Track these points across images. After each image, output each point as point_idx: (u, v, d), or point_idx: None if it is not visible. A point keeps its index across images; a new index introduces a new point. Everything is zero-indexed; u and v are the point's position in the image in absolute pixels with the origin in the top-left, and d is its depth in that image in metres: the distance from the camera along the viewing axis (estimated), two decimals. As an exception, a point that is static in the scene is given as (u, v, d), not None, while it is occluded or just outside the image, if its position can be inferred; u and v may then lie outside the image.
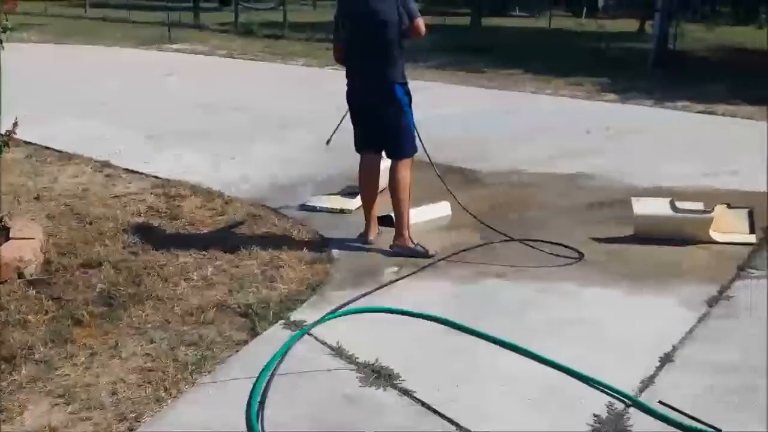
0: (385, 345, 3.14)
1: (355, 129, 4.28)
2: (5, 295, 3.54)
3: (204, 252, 4.14)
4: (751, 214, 4.52)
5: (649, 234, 4.27)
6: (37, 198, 5.10)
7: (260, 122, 7.66)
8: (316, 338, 3.21)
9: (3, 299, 3.50)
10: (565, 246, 4.20)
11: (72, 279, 3.78)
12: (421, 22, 4.05)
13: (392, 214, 4.25)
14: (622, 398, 2.73)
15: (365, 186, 4.34)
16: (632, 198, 4.52)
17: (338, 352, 3.08)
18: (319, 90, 8.88)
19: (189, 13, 19.72)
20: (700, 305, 3.49)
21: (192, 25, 18.52)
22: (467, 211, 4.52)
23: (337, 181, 5.32)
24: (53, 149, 6.42)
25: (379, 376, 2.89)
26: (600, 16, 19.41)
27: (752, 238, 4.29)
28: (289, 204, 5.01)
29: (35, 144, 6.46)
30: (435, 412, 2.68)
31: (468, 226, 4.51)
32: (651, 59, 11.60)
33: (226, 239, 4.36)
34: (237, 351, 3.12)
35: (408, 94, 4.14)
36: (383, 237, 4.31)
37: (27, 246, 3.86)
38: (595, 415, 2.64)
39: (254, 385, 2.82)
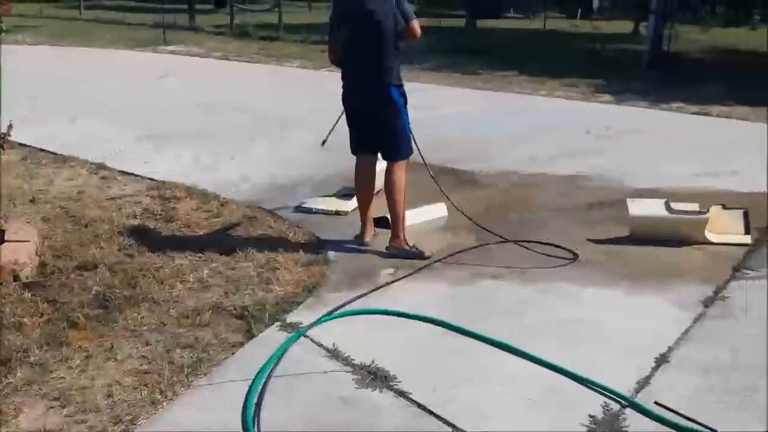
0: (382, 347, 3.14)
1: (350, 131, 4.28)
2: (0, 298, 3.53)
3: (200, 254, 4.13)
4: (746, 215, 4.54)
5: (645, 235, 4.28)
6: (32, 200, 5.09)
7: (260, 122, 7.69)
8: (312, 340, 3.20)
9: (-2, 302, 3.50)
10: (560, 247, 4.21)
11: (67, 281, 3.77)
12: (416, 24, 4.06)
13: (388, 216, 4.26)
14: (617, 399, 2.74)
15: (361, 188, 4.34)
16: (627, 199, 4.53)
17: (334, 353, 3.08)
18: (318, 90, 8.87)
19: (184, 15, 19.68)
20: (695, 306, 3.50)
21: (187, 27, 18.48)
22: (461, 212, 4.53)
23: (334, 181, 5.32)
24: (48, 151, 6.41)
25: (375, 377, 2.89)
26: (595, 18, 19.44)
27: (747, 239, 4.30)
28: (289, 204, 5.02)
29: (30, 146, 6.45)
30: (431, 413, 2.68)
31: (464, 228, 4.51)
32: (645, 61, 11.62)
33: (222, 241, 4.35)
34: (233, 353, 3.12)
35: (403, 95, 4.14)
36: (379, 239, 4.31)
37: (22, 249, 3.86)
38: (590, 416, 2.64)
39: (250, 387, 2.82)
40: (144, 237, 4.40)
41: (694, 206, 4.41)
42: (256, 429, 2.59)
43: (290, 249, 4.21)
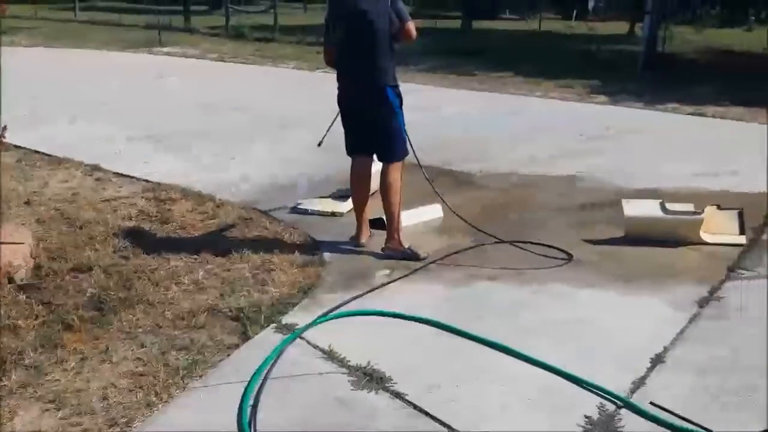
0: (377, 348, 3.13)
1: (346, 132, 4.27)
2: (-5, 301, 3.52)
3: (195, 256, 4.13)
4: (741, 215, 4.55)
5: (640, 235, 4.29)
6: (27, 203, 5.07)
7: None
8: (308, 342, 3.20)
9: (-8, 304, 3.49)
10: (555, 248, 4.21)
11: (62, 284, 3.76)
12: (411, 26, 4.06)
13: (384, 217, 4.26)
14: (613, 399, 2.74)
15: (357, 189, 4.34)
16: (623, 200, 4.54)
17: (330, 355, 3.08)
18: (316, 91, 8.85)
19: (179, 16, 19.66)
20: (690, 306, 3.51)
21: (182, 28, 18.46)
22: (455, 213, 4.53)
23: (334, 181, 5.32)
24: (43, 153, 6.40)
25: (371, 379, 2.89)
26: (590, 19, 19.48)
27: (742, 239, 4.31)
28: (289, 204, 5.03)
29: (25, 148, 6.44)
30: (427, 414, 2.68)
31: (459, 229, 4.51)
32: (641, 62, 11.65)
33: (217, 243, 4.35)
34: (228, 355, 3.11)
35: (399, 96, 4.14)
36: (375, 240, 4.31)
37: (17, 251, 3.84)
38: (586, 417, 2.64)
39: (246, 389, 2.82)
40: (139, 239, 4.39)
41: (689, 207, 4.42)
42: (251, 431, 2.59)
43: (286, 250, 4.20)
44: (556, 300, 3.63)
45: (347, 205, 4.75)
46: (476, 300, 3.65)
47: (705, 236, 4.28)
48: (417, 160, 4.31)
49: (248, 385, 2.84)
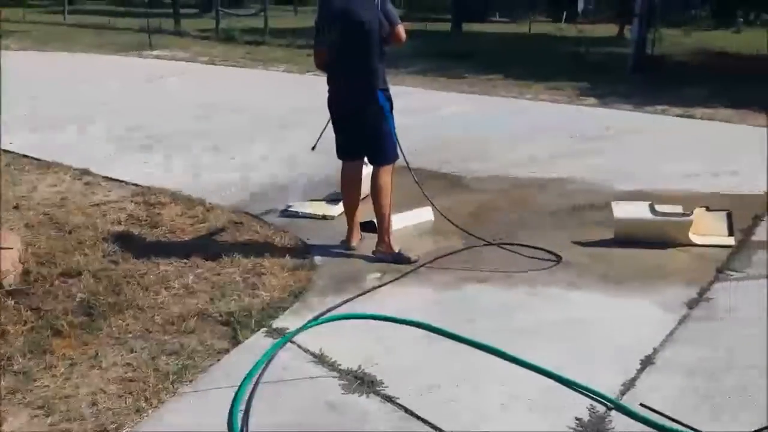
0: (368, 351, 3.13)
1: (336, 136, 4.27)
2: (-17, 306, 3.50)
3: (185, 260, 4.11)
4: (729, 217, 4.58)
5: (629, 237, 4.31)
6: (15, 207, 5.05)
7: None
8: (298, 346, 3.20)
9: (-19, 310, 3.46)
10: (544, 250, 4.22)
11: (51, 289, 3.74)
12: (401, 29, 4.06)
13: (374, 220, 4.26)
14: (603, 401, 2.75)
15: (347, 192, 4.34)
16: (612, 202, 4.56)
17: (321, 359, 3.08)
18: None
19: (169, 19, 19.61)
20: (680, 307, 3.52)
21: (172, 31, 18.42)
22: (445, 217, 4.54)
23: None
24: (32, 157, 6.37)
25: (362, 382, 2.89)
26: (579, 21, 19.57)
27: (731, 241, 4.34)
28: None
29: (13, 152, 6.42)
30: (418, 418, 2.68)
31: (450, 232, 4.52)
32: (630, 64, 11.70)
33: (208, 247, 4.33)
34: (219, 360, 3.10)
35: (389, 99, 4.15)
36: (366, 243, 4.31)
37: (5, 256, 3.82)
38: (577, 419, 2.65)
39: (236, 393, 2.81)
40: (128, 243, 4.37)
41: (678, 208, 4.44)
42: (242, 436, 2.59)
43: (276, 254, 4.20)
44: (545, 302, 3.64)
45: (338, 208, 4.75)
46: (466, 302, 3.65)
47: (694, 238, 4.30)
48: (407, 163, 4.31)
49: (239, 389, 2.83)
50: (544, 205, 5.14)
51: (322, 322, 3.42)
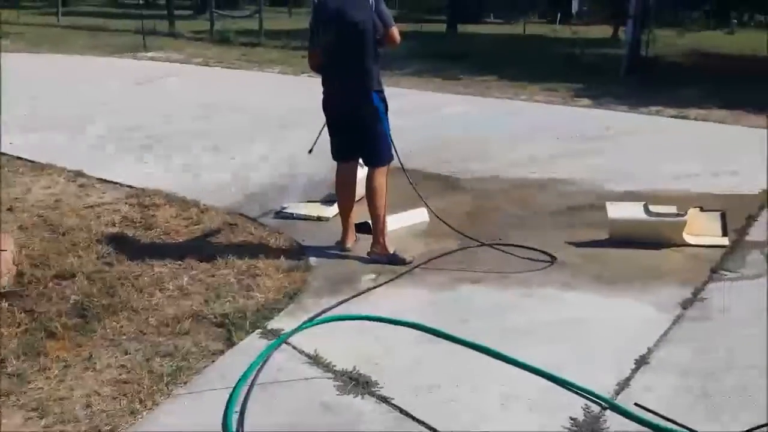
0: (363, 352, 3.13)
1: (331, 137, 4.27)
2: (-24, 309, 3.49)
3: (179, 262, 4.10)
4: (723, 217, 4.59)
5: (624, 237, 4.32)
6: (9, 209, 5.02)
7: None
8: (293, 347, 3.19)
9: (-26, 312, 3.45)
10: (539, 250, 4.23)
11: (45, 291, 3.73)
12: (395, 30, 4.07)
13: (369, 222, 4.26)
14: (598, 401, 2.75)
15: (342, 194, 4.33)
16: (606, 202, 4.56)
17: (316, 360, 3.07)
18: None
19: (164, 21, 19.58)
20: (674, 307, 3.53)
21: (167, 33, 18.40)
22: (438, 218, 4.54)
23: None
24: (26, 159, 6.35)
25: (356, 383, 2.89)
26: (574, 23, 19.59)
27: (725, 241, 4.35)
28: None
29: (7, 154, 6.40)
30: (413, 418, 2.68)
31: (445, 233, 4.52)
32: (624, 65, 11.73)
33: (202, 248, 4.33)
34: (213, 361, 3.10)
35: (384, 101, 4.15)
36: (360, 244, 4.31)
37: (-1, 258, 3.81)
38: (572, 419, 2.65)
39: (231, 395, 2.80)
40: (123, 245, 4.36)
41: (672, 209, 4.46)
42: (236, 437, 2.58)
43: (271, 255, 4.19)
44: (540, 302, 3.64)
45: (333, 209, 4.75)
46: (461, 303, 3.65)
47: (688, 238, 4.31)
48: (401, 164, 4.31)
49: (233, 391, 2.83)
50: (541, 206, 5.15)
51: (317, 324, 3.41)
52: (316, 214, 4.88)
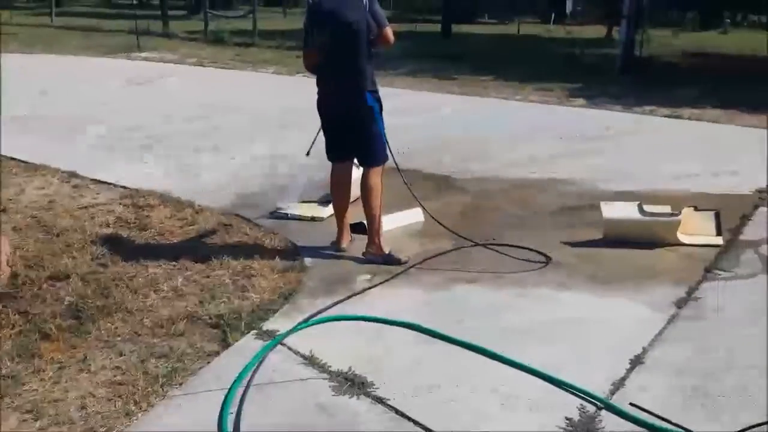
0: (358, 353, 3.13)
1: (326, 138, 4.27)
2: (-30, 310, 3.48)
3: (174, 262, 4.09)
4: (717, 216, 4.61)
5: (618, 237, 4.32)
6: (3, 210, 5.01)
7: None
8: (289, 348, 3.19)
9: (-32, 314, 3.44)
10: (534, 250, 4.24)
11: (39, 292, 3.72)
12: (389, 31, 4.07)
13: (364, 222, 4.25)
14: (593, 401, 2.76)
15: (337, 194, 4.33)
16: (601, 202, 4.57)
17: (311, 360, 3.07)
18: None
19: (157, 21, 19.54)
20: (668, 307, 3.54)
21: (160, 33, 18.35)
22: (433, 218, 4.54)
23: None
24: (19, 160, 6.33)
25: (352, 384, 2.89)
26: (568, 23, 19.64)
27: (719, 240, 4.36)
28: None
29: (2, 155, 6.37)
30: (408, 419, 2.68)
31: (440, 233, 4.52)
32: (618, 65, 11.76)
33: (197, 249, 4.32)
34: (208, 362, 3.09)
35: (378, 101, 4.15)
36: (356, 244, 4.31)
37: (-8, 259, 3.80)
38: (567, 418, 2.66)
39: (226, 396, 2.80)
40: (117, 246, 4.35)
41: (666, 208, 4.47)
42: (232, 438, 2.58)
43: (266, 256, 4.19)
44: (535, 302, 3.64)
45: (328, 210, 4.74)
46: (456, 303, 3.66)
47: (682, 237, 4.33)
48: (396, 164, 4.31)
49: (229, 392, 2.82)
50: (540, 206, 5.16)
51: (312, 324, 3.41)
52: (310, 215, 4.87)
